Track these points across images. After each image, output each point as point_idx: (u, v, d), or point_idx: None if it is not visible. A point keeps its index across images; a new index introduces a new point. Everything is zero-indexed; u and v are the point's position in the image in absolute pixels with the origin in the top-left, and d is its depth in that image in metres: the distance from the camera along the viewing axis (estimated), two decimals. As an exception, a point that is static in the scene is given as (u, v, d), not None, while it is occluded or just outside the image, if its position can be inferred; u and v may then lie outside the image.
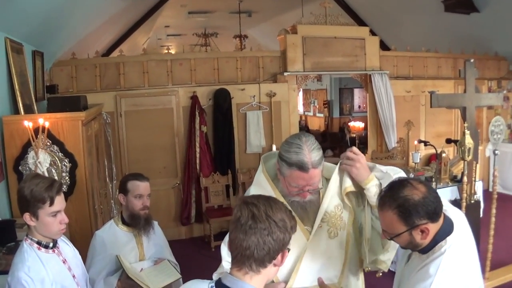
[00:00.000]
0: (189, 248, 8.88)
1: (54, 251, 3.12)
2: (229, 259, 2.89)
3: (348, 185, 3.07)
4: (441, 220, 2.54)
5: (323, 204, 3.02)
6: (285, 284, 2.94)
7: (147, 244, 4.28)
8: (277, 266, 2.22)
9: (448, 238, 2.54)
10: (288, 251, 2.25)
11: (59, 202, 3.01)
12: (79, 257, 3.49)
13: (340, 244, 3.08)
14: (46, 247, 3.06)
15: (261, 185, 3.10)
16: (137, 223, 4.15)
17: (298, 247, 2.90)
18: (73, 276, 3.22)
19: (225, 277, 2.18)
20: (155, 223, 4.45)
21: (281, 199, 2.89)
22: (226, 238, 3.05)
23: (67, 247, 3.35)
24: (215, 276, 2.99)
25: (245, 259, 2.12)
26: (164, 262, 4.26)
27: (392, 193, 2.52)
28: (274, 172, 3.07)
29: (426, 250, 2.58)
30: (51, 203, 2.95)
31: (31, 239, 3.03)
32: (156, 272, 4.13)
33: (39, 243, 3.03)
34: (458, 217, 2.71)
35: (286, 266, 2.93)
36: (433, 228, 2.50)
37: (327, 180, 3.12)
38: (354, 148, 3.02)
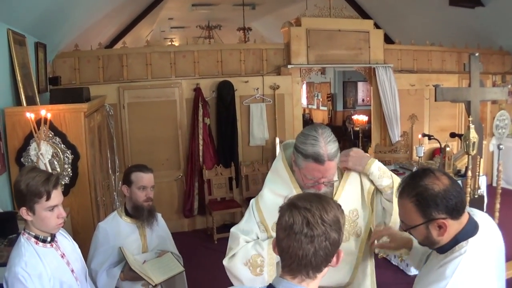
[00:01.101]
0: (191, 241, 8.89)
1: (52, 245, 3.09)
2: (246, 237, 2.90)
3: (369, 185, 3.13)
4: (464, 219, 2.43)
5: (336, 198, 3.04)
6: None
7: (150, 236, 4.28)
8: (332, 266, 2.11)
9: (470, 239, 2.40)
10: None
11: (56, 196, 2.97)
12: (79, 251, 3.45)
13: (351, 250, 3.09)
14: (44, 241, 3.03)
15: (278, 173, 3.14)
16: (140, 214, 4.14)
17: None
18: (72, 271, 3.18)
19: (279, 282, 2.05)
20: (159, 215, 4.44)
21: (298, 189, 2.98)
22: (241, 225, 3.08)
23: (65, 241, 3.32)
24: (225, 262, 3.02)
25: (301, 268, 2.00)
26: (167, 254, 4.24)
27: (412, 181, 2.45)
28: (290, 162, 3.07)
29: (445, 249, 2.46)
30: (48, 198, 2.91)
31: (29, 233, 3.00)
32: (159, 264, 4.12)
33: (36, 237, 3.00)
34: (486, 221, 2.56)
35: None
36: (452, 225, 2.38)
37: (342, 173, 3.17)
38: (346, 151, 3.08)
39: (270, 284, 2.08)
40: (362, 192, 3.15)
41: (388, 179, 3.05)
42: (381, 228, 3.03)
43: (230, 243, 3.10)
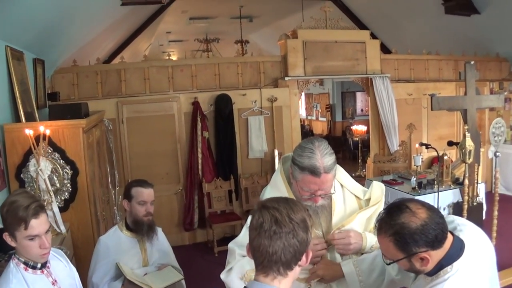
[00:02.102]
0: (192, 254, 8.88)
1: (43, 271, 2.96)
2: (241, 252, 2.92)
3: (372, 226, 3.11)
4: (447, 245, 2.40)
5: (335, 215, 3.11)
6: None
7: (151, 250, 4.30)
8: (302, 266, 2.20)
9: (454, 263, 2.39)
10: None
11: (37, 225, 2.80)
12: (76, 275, 3.33)
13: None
14: (34, 267, 2.91)
15: (277, 186, 3.16)
16: (140, 229, 4.16)
17: None
18: None
19: (252, 284, 2.15)
20: (159, 229, 4.46)
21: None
22: (238, 239, 3.09)
23: (60, 265, 3.20)
24: (223, 276, 3.02)
25: (272, 264, 2.09)
26: (167, 267, 4.27)
27: (388, 219, 2.42)
28: (289, 176, 3.08)
29: (431, 273, 2.45)
30: (26, 227, 2.76)
31: (18, 259, 2.89)
32: (159, 275, 4.14)
33: (26, 263, 2.88)
34: (475, 237, 2.54)
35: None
36: (435, 254, 2.37)
37: (342, 186, 3.20)
38: (338, 233, 3.04)
39: (245, 287, 2.17)
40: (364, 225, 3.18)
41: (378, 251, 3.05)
42: (316, 267, 3.02)
43: (228, 257, 3.12)
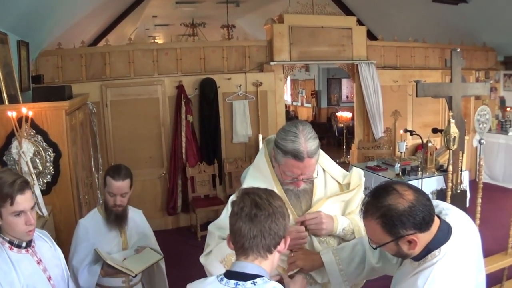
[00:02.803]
0: (175, 238, 8.88)
1: (28, 251, 2.95)
2: (221, 234, 2.89)
3: (353, 209, 3.16)
4: (434, 228, 2.36)
5: (315, 197, 3.07)
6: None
7: (130, 232, 4.27)
8: (281, 252, 2.30)
9: (442, 247, 2.36)
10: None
11: (22, 201, 2.81)
12: (61, 256, 3.28)
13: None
14: (19, 246, 2.90)
15: (259, 169, 3.11)
16: (108, 216, 4.13)
17: None
18: (49, 278, 3.04)
19: (234, 265, 2.23)
20: (139, 212, 4.44)
21: (278, 186, 2.98)
22: (218, 222, 3.07)
23: (45, 246, 3.16)
24: (202, 259, 2.99)
25: (253, 246, 2.17)
26: (146, 249, 4.24)
27: (375, 201, 2.37)
28: (272, 156, 3.04)
29: (418, 258, 2.42)
30: (12, 203, 2.76)
31: (3, 238, 2.87)
32: (138, 258, 4.12)
33: (11, 242, 2.88)
34: (460, 221, 2.51)
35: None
36: (422, 237, 2.33)
37: (324, 170, 3.16)
38: (309, 214, 3.01)
39: (227, 270, 2.23)
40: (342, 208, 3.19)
41: (351, 236, 3.09)
42: (293, 256, 2.99)
43: (208, 239, 3.09)
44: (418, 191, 2.38)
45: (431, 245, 2.37)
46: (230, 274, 2.18)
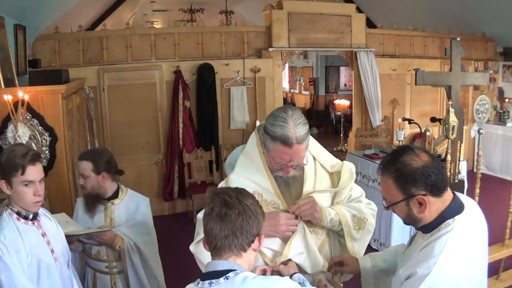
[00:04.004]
0: (172, 224, 8.87)
1: (34, 223, 3.10)
2: None
3: (341, 199, 3.15)
4: (447, 197, 2.45)
5: (306, 186, 3.04)
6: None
7: (119, 218, 4.16)
8: (256, 250, 2.32)
9: (457, 217, 2.42)
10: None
11: (33, 172, 2.98)
12: (63, 235, 3.41)
13: (321, 240, 3.11)
14: (26, 218, 3.05)
15: (250, 156, 3.07)
16: (86, 198, 4.12)
17: None
18: (52, 251, 3.16)
19: (207, 266, 2.25)
20: (140, 198, 4.32)
21: (268, 173, 2.96)
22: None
23: (49, 222, 3.30)
24: (192, 248, 3.03)
25: (226, 246, 2.19)
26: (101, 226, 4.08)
27: (392, 158, 2.49)
28: (261, 142, 3.01)
29: (431, 228, 2.46)
30: (23, 172, 2.94)
31: (11, 209, 3.03)
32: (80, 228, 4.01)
33: (18, 213, 3.03)
34: (471, 203, 2.59)
35: (277, 241, 2.97)
36: (434, 203, 2.40)
37: (314, 158, 3.14)
38: (302, 200, 2.99)
39: (202, 273, 2.26)
40: (330, 195, 3.17)
41: (338, 227, 3.08)
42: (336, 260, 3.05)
43: (197, 228, 3.11)
44: (434, 157, 2.49)
45: (446, 214, 2.43)
46: (205, 276, 2.22)
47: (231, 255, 2.21)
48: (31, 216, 3.08)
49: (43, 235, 3.14)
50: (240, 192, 2.28)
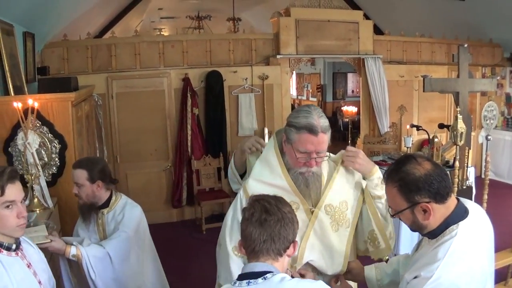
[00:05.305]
0: (180, 231, 8.88)
1: (17, 253, 2.76)
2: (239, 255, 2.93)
3: (361, 182, 3.19)
4: (451, 203, 2.51)
5: (327, 186, 3.08)
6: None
7: (110, 226, 4.12)
8: (290, 256, 2.42)
9: (461, 222, 2.47)
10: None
11: (13, 191, 2.67)
12: (45, 260, 3.10)
13: (340, 240, 3.10)
14: (9, 249, 2.71)
15: (267, 161, 3.09)
16: (81, 207, 4.12)
17: (301, 226, 2.86)
18: (39, 283, 2.85)
19: (244, 268, 2.36)
20: (132, 206, 4.21)
21: (287, 176, 2.99)
22: (224, 230, 3.06)
23: (31, 249, 2.98)
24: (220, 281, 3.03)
25: (264, 249, 2.29)
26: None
27: (396, 167, 2.54)
28: (281, 148, 3.06)
29: (436, 233, 2.52)
30: (2, 192, 2.61)
31: None
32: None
33: (0, 244, 2.67)
34: (476, 209, 2.63)
35: None
36: (438, 209, 2.46)
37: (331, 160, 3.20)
38: (350, 147, 3.12)
39: (239, 274, 2.34)
40: (354, 186, 3.16)
41: (381, 191, 3.05)
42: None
43: (219, 268, 3.12)
44: (437, 165, 2.53)
45: (450, 220, 2.48)
46: (242, 276, 2.30)
47: (269, 258, 2.30)
48: (14, 246, 2.74)
49: (28, 266, 2.81)
50: (279, 200, 2.39)
